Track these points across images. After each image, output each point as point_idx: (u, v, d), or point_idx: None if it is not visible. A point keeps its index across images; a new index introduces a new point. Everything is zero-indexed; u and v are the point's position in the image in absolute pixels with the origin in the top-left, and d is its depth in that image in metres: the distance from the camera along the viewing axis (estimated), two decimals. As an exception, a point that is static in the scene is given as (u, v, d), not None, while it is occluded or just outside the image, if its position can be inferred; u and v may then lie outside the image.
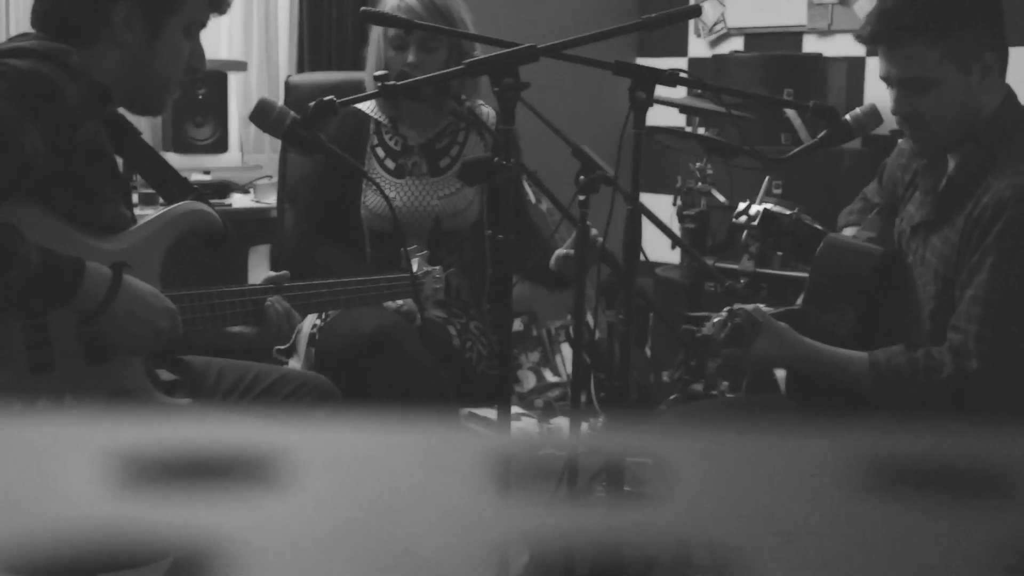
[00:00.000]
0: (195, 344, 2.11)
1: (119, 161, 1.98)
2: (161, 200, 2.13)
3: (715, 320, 2.00)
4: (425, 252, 2.37)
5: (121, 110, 2.02)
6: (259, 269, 2.87)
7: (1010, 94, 2.00)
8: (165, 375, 2.03)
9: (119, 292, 1.77)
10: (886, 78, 2.00)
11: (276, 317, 2.01)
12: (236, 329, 2.06)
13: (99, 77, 1.87)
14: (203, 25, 1.97)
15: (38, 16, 1.91)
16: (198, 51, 1.98)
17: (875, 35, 1.98)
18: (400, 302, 2.56)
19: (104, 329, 1.79)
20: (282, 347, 2.70)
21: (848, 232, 2.32)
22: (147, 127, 3.92)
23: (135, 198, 2.86)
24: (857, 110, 2.04)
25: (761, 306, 2.07)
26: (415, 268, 2.29)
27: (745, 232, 2.39)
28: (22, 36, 1.91)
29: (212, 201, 3.60)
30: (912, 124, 2.00)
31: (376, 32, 2.71)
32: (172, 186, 2.06)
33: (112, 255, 1.84)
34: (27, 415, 0.43)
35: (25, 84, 1.73)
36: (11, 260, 1.65)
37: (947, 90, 1.94)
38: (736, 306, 2.00)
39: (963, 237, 1.94)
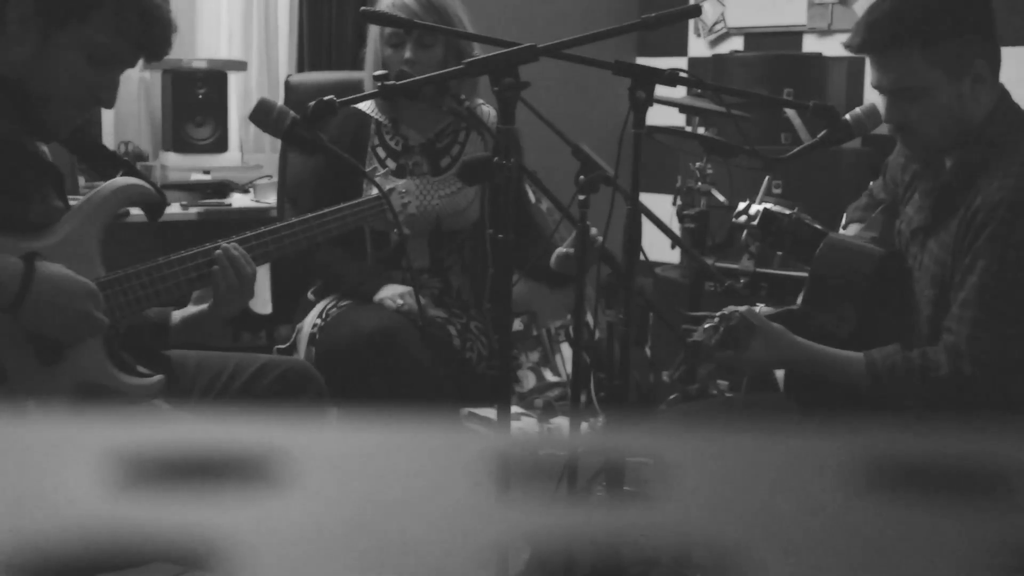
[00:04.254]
0: (171, 341, 2.07)
1: (47, 152, 1.93)
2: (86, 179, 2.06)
3: (707, 325, 1.99)
4: (387, 170, 2.33)
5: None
6: (259, 269, 2.87)
7: (1004, 96, 2.00)
8: (142, 371, 1.98)
9: (33, 281, 1.72)
10: (878, 87, 2.00)
11: (225, 265, 1.93)
12: (193, 311, 2.01)
13: (6, 71, 1.81)
14: (114, 57, 1.84)
15: None
16: (105, 84, 1.85)
17: (864, 46, 1.98)
18: (400, 302, 2.56)
19: (25, 322, 1.75)
20: (282, 347, 2.70)
21: (853, 229, 2.32)
22: (147, 127, 3.92)
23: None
24: (857, 110, 2.03)
25: (761, 306, 2.07)
26: (375, 192, 2.21)
27: (745, 232, 2.39)
28: None
29: (212, 200, 3.61)
30: (905, 133, 2.00)
31: (373, 31, 2.71)
32: (103, 164, 2.01)
33: (43, 252, 1.78)
34: (24, 417, 0.43)
35: None
36: None
37: (938, 99, 1.93)
38: (729, 309, 1.99)
39: (957, 240, 1.94)
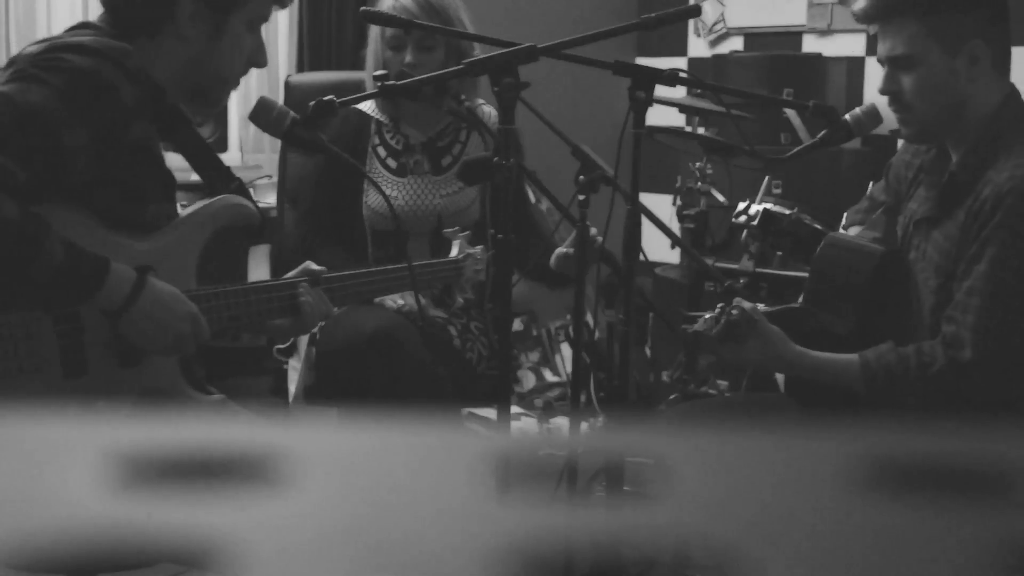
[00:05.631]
0: (236, 336, 2.13)
1: (165, 156, 2.00)
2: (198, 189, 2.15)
3: (707, 316, 1.99)
4: (467, 233, 2.37)
5: None
6: (259, 269, 2.87)
7: (1014, 92, 2.01)
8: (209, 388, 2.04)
9: (141, 294, 1.77)
10: (878, 59, 2.03)
11: (311, 308, 2.02)
12: (274, 323, 2.08)
13: (158, 74, 1.88)
14: (265, 19, 1.98)
15: (108, 3, 1.91)
16: (260, 45, 1.98)
17: (868, 13, 2.01)
18: (401, 302, 2.56)
19: (123, 330, 1.79)
20: (282, 347, 2.70)
21: (853, 232, 2.32)
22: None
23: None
24: (857, 110, 2.04)
25: (760, 306, 2.07)
26: (455, 251, 2.30)
27: (745, 232, 2.39)
28: (81, 27, 1.91)
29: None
30: (898, 105, 2.02)
31: (374, 33, 2.71)
32: (215, 175, 2.07)
33: (148, 254, 1.84)
34: (26, 417, 0.43)
35: (81, 82, 1.73)
36: (36, 252, 1.66)
37: (930, 70, 1.96)
38: (734, 302, 1.99)
39: (963, 230, 1.95)
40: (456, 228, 2.36)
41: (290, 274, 2.08)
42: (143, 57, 1.84)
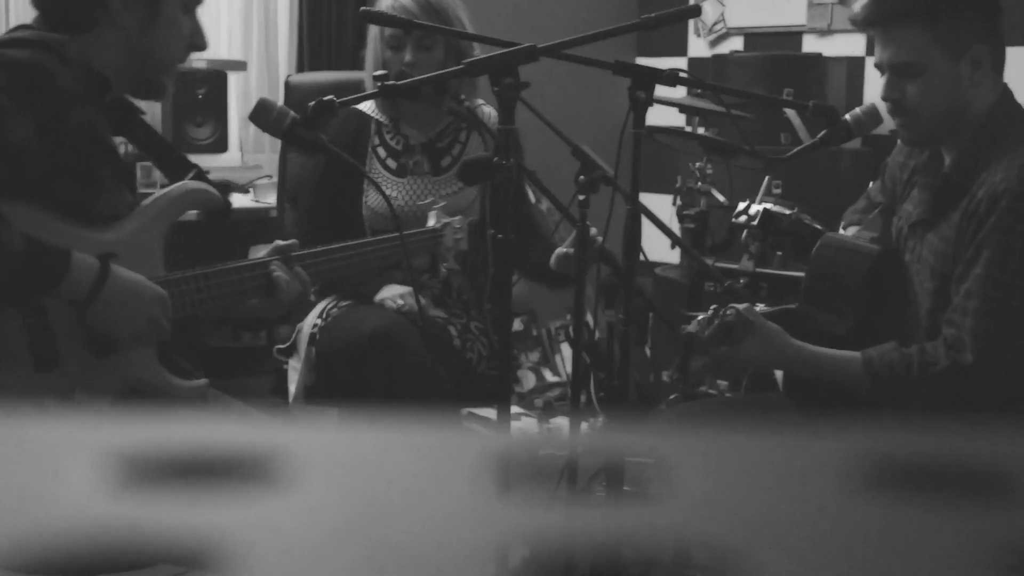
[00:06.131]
0: (209, 318, 2.13)
1: (121, 147, 2.00)
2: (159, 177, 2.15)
3: (701, 317, 1.98)
4: (443, 204, 2.37)
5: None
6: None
7: (1007, 92, 2.01)
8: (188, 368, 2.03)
9: (106, 282, 1.77)
10: (878, 65, 2.01)
11: (286, 284, 2.01)
12: (251, 303, 2.07)
13: (99, 65, 1.88)
14: (200, 1, 1.98)
15: (37, 4, 1.92)
16: (198, 27, 1.98)
17: (868, 19, 2.00)
18: (401, 302, 2.56)
19: (92, 320, 1.79)
20: (282, 347, 2.70)
21: (851, 232, 2.32)
22: (147, 127, 3.92)
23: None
24: (857, 110, 2.04)
25: (760, 306, 2.07)
26: (433, 222, 2.30)
27: (745, 232, 2.39)
28: (20, 28, 1.92)
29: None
30: (900, 112, 2.01)
31: (374, 32, 2.71)
32: (173, 164, 2.07)
33: (111, 244, 1.84)
34: (31, 414, 0.43)
35: (16, 73, 1.74)
36: None
37: (934, 77, 1.95)
38: (728, 305, 1.98)
39: (958, 232, 1.95)
40: (431, 200, 2.37)
41: (260, 253, 2.08)
42: (81, 50, 1.84)
